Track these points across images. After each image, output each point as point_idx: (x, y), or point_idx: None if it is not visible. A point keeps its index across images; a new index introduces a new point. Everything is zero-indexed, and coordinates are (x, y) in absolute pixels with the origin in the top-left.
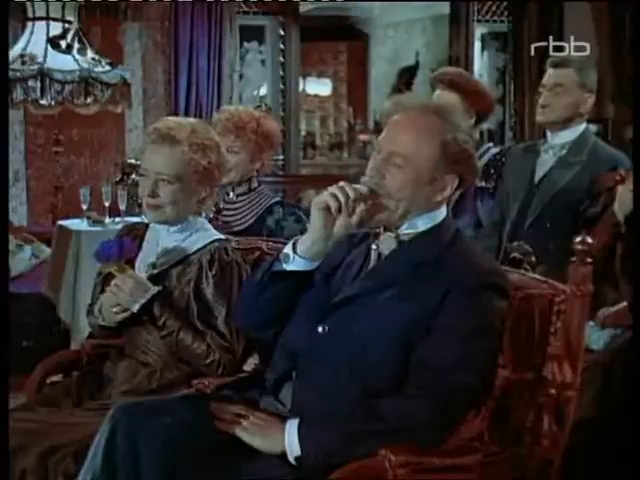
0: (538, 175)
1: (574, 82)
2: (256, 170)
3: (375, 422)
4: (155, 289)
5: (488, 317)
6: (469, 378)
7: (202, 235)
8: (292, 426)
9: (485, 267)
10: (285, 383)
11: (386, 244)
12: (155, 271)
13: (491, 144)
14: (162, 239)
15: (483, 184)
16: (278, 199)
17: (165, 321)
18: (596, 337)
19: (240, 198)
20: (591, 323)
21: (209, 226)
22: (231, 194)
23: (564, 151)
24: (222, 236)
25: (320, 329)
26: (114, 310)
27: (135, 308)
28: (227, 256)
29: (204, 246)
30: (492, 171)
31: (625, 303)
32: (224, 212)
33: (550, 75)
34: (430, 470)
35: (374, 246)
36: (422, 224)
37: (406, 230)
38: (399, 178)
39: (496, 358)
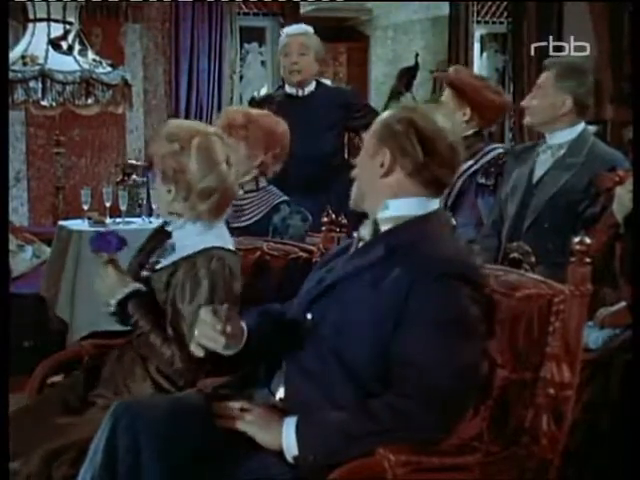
0: (536, 175)
1: (551, 84)
2: (256, 168)
3: (371, 423)
4: (131, 287)
5: (457, 308)
6: (451, 372)
7: (195, 242)
8: (290, 426)
9: (449, 257)
10: (276, 373)
11: (366, 230)
12: (146, 273)
13: (498, 145)
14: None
15: (483, 181)
16: (285, 198)
17: (137, 321)
18: (595, 337)
19: (248, 195)
20: (590, 323)
21: (212, 233)
22: (240, 191)
23: (562, 151)
24: (217, 244)
25: (309, 316)
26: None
27: (112, 303)
28: (208, 266)
29: (194, 253)
30: (493, 169)
31: (624, 303)
32: (233, 207)
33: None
34: (429, 470)
35: (355, 234)
36: (395, 208)
37: (382, 214)
38: (359, 158)
39: (477, 350)
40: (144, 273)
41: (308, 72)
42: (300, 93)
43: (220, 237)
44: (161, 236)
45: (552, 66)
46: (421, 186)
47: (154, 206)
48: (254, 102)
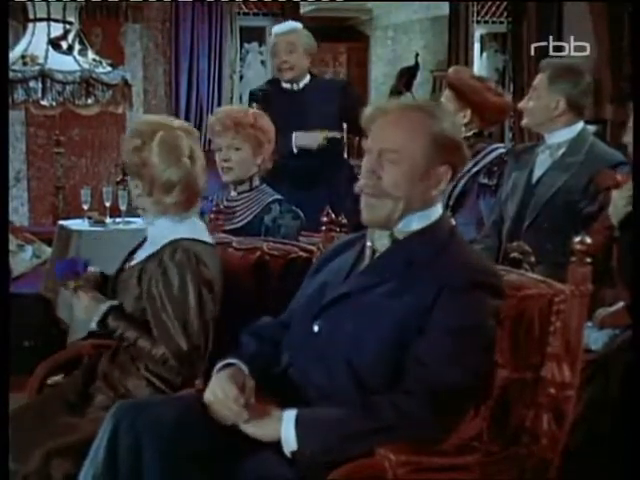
0: (536, 176)
1: (544, 86)
2: (257, 166)
3: (371, 420)
4: (106, 305)
5: (481, 316)
6: (463, 376)
7: (165, 235)
8: (289, 420)
9: (478, 266)
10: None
11: (381, 242)
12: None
13: (500, 144)
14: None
15: (486, 181)
16: (277, 197)
17: (122, 333)
18: (594, 337)
19: (241, 196)
20: (589, 324)
21: (182, 225)
22: (233, 192)
23: (561, 151)
24: (183, 235)
25: (315, 327)
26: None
27: (92, 325)
28: (173, 257)
29: (161, 247)
30: (495, 169)
31: (622, 303)
32: (226, 210)
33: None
34: (430, 469)
35: (369, 243)
36: (416, 223)
37: (401, 229)
38: (395, 174)
39: (491, 356)
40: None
41: (298, 68)
42: (295, 87)
43: (191, 229)
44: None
45: (546, 68)
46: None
47: None
48: (256, 95)
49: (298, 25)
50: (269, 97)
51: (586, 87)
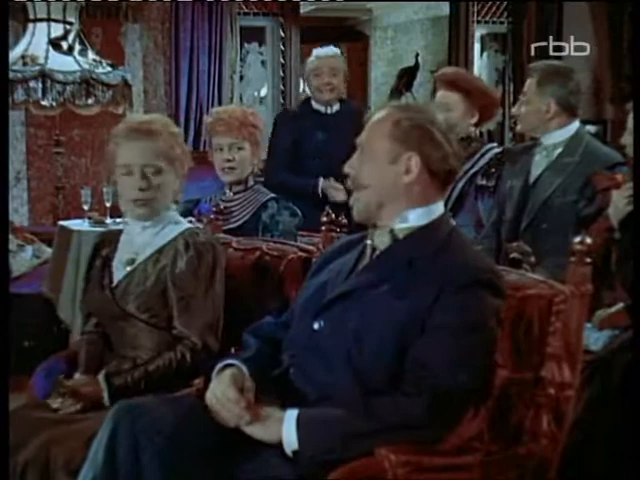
0: (533, 176)
1: (533, 91)
2: (254, 165)
3: (372, 421)
4: (101, 374)
5: (481, 315)
6: (464, 377)
7: (174, 227)
8: (291, 420)
9: (479, 265)
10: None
11: (381, 239)
12: (129, 268)
13: (495, 144)
14: (137, 236)
15: (484, 182)
16: (273, 195)
17: (133, 379)
18: (594, 338)
19: (237, 196)
20: (589, 324)
21: (180, 218)
22: (228, 192)
23: (557, 151)
24: (192, 225)
25: (316, 325)
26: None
27: (106, 402)
28: (199, 237)
29: (177, 235)
30: (493, 170)
31: (621, 304)
32: (223, 210)
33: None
34: (430, 470)
35: (369, 241)
36: (414, 219)
37: (400, 225)
38: (360, 162)
39: (492, 357)
40: (126, 270)
41: (338, 92)
42: (329, 111)
43: (185, 222)
44: (108, 247)
45: (534, 72)
46: (440, 185)
47: None
48: (283, 116)
49: (338, 50)
50: (298, 117)
51: (575, 87)
